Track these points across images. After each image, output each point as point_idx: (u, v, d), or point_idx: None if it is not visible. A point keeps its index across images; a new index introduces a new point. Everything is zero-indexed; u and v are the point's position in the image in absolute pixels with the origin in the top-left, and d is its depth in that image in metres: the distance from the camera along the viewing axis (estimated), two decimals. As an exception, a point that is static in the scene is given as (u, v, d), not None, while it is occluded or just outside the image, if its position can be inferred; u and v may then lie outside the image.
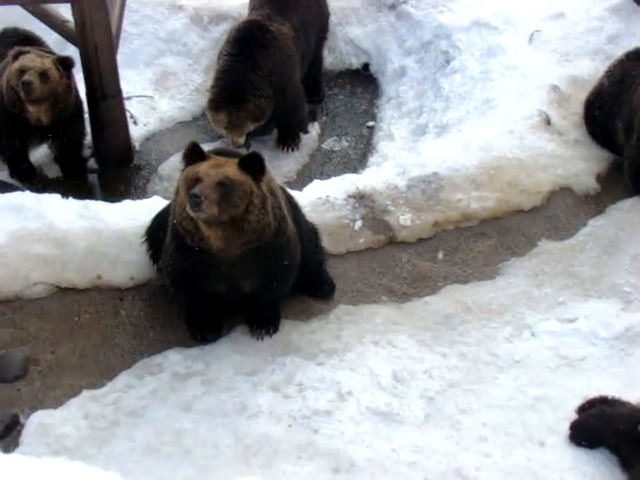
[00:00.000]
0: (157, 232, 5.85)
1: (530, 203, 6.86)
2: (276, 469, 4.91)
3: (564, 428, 5.10)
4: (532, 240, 6.65)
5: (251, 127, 7.96)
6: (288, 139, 8.43)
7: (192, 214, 5.00)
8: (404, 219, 6.57)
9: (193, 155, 5.23)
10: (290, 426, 5.17)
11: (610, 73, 7.36)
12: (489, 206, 6.75)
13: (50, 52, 7.79)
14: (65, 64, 7.43)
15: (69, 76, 7.50)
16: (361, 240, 6.50)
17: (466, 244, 6.59)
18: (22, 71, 7.23)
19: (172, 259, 5.50)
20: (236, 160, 5.20)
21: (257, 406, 5.27)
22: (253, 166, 5.18)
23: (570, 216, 6.86)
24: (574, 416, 5.12)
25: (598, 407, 5.08)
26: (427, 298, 6.18)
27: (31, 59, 7.31)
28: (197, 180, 5.02)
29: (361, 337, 5.78)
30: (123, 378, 5.58)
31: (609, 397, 5.13)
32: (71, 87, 7.55)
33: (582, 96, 7.60)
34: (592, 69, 7.91)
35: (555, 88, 7.68)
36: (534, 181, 6.95)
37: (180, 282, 5.59)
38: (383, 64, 9.43)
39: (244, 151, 6.47)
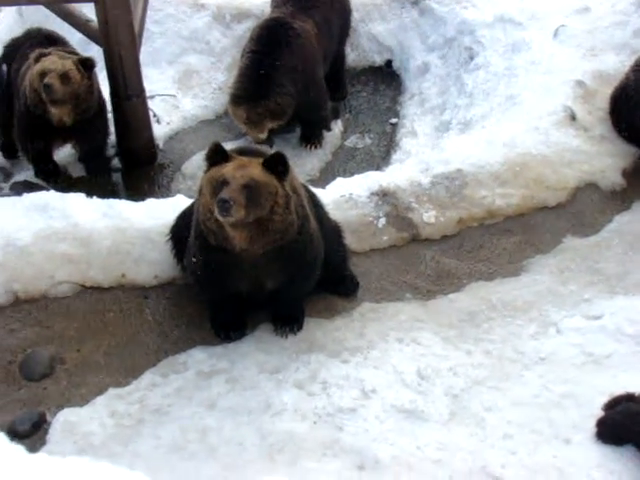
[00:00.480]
0: (181, 231, 5.85)
1: (555, 199, 6.82)
2: (301, 466, 4.90)
3: (590, 425, 5.05)
4: (557, 237, 6.61)
5: (270, 124, 7.96)
6: (311, 137, 8.44)
7: (221, 219, 5.00)
8: (428, 216, 6.55)
9: (216, 156, 5.21)
10: (315, 423, 5.16)
11: (636, 67, 7.28)
12: (514, 203, 6.72)
13: (73, 52, 7.82)
14: (86, 65, 7.46)
15: (90, 77, 7.52)
16: (385, 237, 6.49)
17: (490, 241, 6.55)
18: (43, 74, 7.26)
19: (196, 258, 5.50)
20: (260, 160, 5.19)
21: (281, 404, 5.27)
22: (277, 166, 5.17)
23: (596, 212, 6.81)
24: (600, 413, 5.06)
25: (624, 404, 5.03)
26: (451, 295, 6.15)
27: (52, 61, 7.33)
28: (223, 183, 5.02)
29: (385, 335, 5.76)
30: (148, 376, 5.59)
31: (635, 394, 5.07)
32: (93, 87, 7.57)
33: (608, 91, 7.54)
34: (618, 63, 7.85)
35: (580, 83, 7.63)
36: (559, 177, 6.92)
37: (204, 281, 5.59)
38: (406, 61, 9.42)
39: (267, 149, 6.48)
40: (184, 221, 5.86)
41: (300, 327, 5.81)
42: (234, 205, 4.90)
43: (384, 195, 6.63)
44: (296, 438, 5.05)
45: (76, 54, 7.73)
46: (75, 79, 7.36)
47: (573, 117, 7.31)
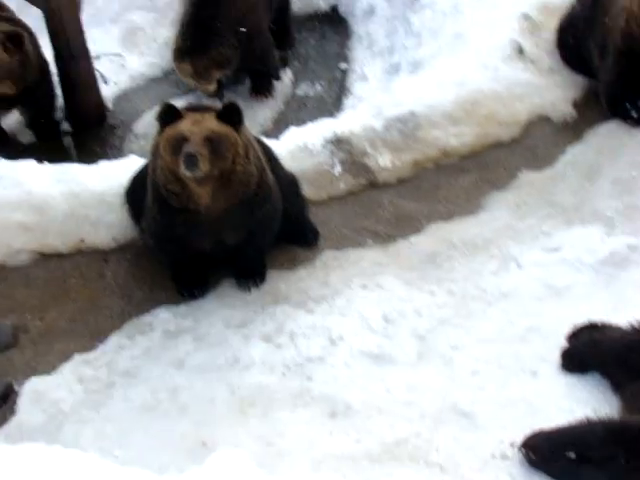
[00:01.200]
0: (136, 192, 5.80)
1: (509, 135, 6.83)
2: (273, 418, 4.93)
3: (555, 357, 5.12)
4: (513, 172, 6.62)
5: (217, 74, 7.86)
6: (261, 87, 8.35)
7: (188, 174, 4.98)
8: (383, 161, 6.54)
9: (168, 115, 5.17)
10: (284, 375, 5.19)
11: (581, -3, 7.27)
12: (468, 141, 6.71)
13: (10, 19, 7.62)
14: (15, 41, 7.28)
15: (22, 49, 7.32)
16: (342, 185, 6.47)
17: (447, 181, 6.56)
18: None
19: (155, 221, 5.47)
20: (213, 113, 5.17)
21: (249, 358, 5.28)
22: (232, 116, 5.17)
23: (549, 145, 6.82)
24: (564, 344, 5.14)
25: (587, 333, 5.11)
26: (412, 238, 6.17)
27: None
28: (183, 139, 4.99)
29: (349, 281, 5.78)
30: (114, 339, 5.58)
31: (598, 323, 5.15)
32: (28, 58, 7.39)
33: (554, 23, 7.50)
34: (563, -6, 7.81)
35: (526, 16, 7.57)
36: (511, 112, 6.90)
37: (165, 242, 5.57)
38: (352, 4, 9.29)
39: (217, 104, 6.41)
40: (139, 182, 5.81)
41: (263, 280, 5.81)
42: (201, 158, 4.88)
43: (338, 142, 6.58)
44: (266, 390, 5.08)
45: (14, 20, 7.52)
46: (4, 61, 7.18)
47: (521, 51, 7.28)
